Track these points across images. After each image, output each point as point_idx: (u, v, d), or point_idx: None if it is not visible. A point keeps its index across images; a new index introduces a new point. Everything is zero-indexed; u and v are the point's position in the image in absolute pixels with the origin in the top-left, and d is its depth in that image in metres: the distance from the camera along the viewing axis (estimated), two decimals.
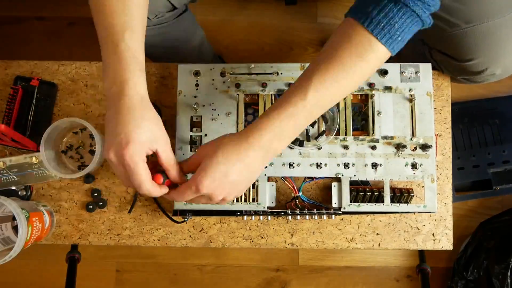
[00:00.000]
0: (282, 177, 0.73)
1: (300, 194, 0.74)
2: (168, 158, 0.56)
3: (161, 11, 0.76)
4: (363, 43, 0.53)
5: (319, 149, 0.71)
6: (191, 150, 0.72)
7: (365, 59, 0.54)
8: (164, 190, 0.57)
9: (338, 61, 0.54)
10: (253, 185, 0.71)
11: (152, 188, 0.55)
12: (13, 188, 0.76)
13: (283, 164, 0.71)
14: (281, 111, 0.54)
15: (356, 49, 0.53)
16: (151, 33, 0.78)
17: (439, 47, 0.75)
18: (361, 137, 0.72)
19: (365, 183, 0.73)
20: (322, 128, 0.72)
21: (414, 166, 0.71)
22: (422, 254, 1.02)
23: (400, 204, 0.71)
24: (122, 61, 0.55)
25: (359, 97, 0.73)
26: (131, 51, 0.56)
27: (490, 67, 0.68)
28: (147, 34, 0.78)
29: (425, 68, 0.72)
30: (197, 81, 0.73)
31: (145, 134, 0.53)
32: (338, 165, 0.71)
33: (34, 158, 0.74)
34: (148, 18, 0.73)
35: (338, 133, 0.72)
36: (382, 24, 0.52)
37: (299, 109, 0.54)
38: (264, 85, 0.73)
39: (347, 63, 0.53)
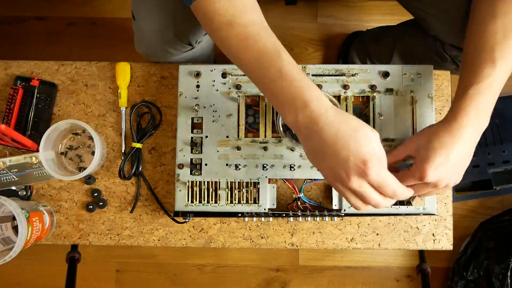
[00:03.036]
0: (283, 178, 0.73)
1: (301, 195, 0.73)
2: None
3: (201, 35, 0.77)
4: None
5: None
6: (191, 152, 0.71)
7: None
8: (410, 191, 0.56)
9: None
10: (254, 185, 0.71)
11: (406, 189, 0.54)
12: (13, 188, 0.76)
13: (284, 166, 0.71)
14: (477, 87, 0.55)
15: None
16: (184, 57, 0.81)
17: (452, 42, 0.73)
18: None
19: None
20: None
21: None
22: (422, 254, 1.02)
23: (400, 206, 0.71)
24: (294, 83, 0.51)
25: (360, 99, 0.73)
26: (295, 68, 0.52)
27: None
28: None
29: (427, 71, 0.72)
30: (198, 82, 0.73)
31: (367, 143, 0.50)
32: None
33: (34, 158, 0.74)
34: (191, 45, 0.75)
35: None
36: None
37: (494, 78, 0.55)
38: None
39: None
